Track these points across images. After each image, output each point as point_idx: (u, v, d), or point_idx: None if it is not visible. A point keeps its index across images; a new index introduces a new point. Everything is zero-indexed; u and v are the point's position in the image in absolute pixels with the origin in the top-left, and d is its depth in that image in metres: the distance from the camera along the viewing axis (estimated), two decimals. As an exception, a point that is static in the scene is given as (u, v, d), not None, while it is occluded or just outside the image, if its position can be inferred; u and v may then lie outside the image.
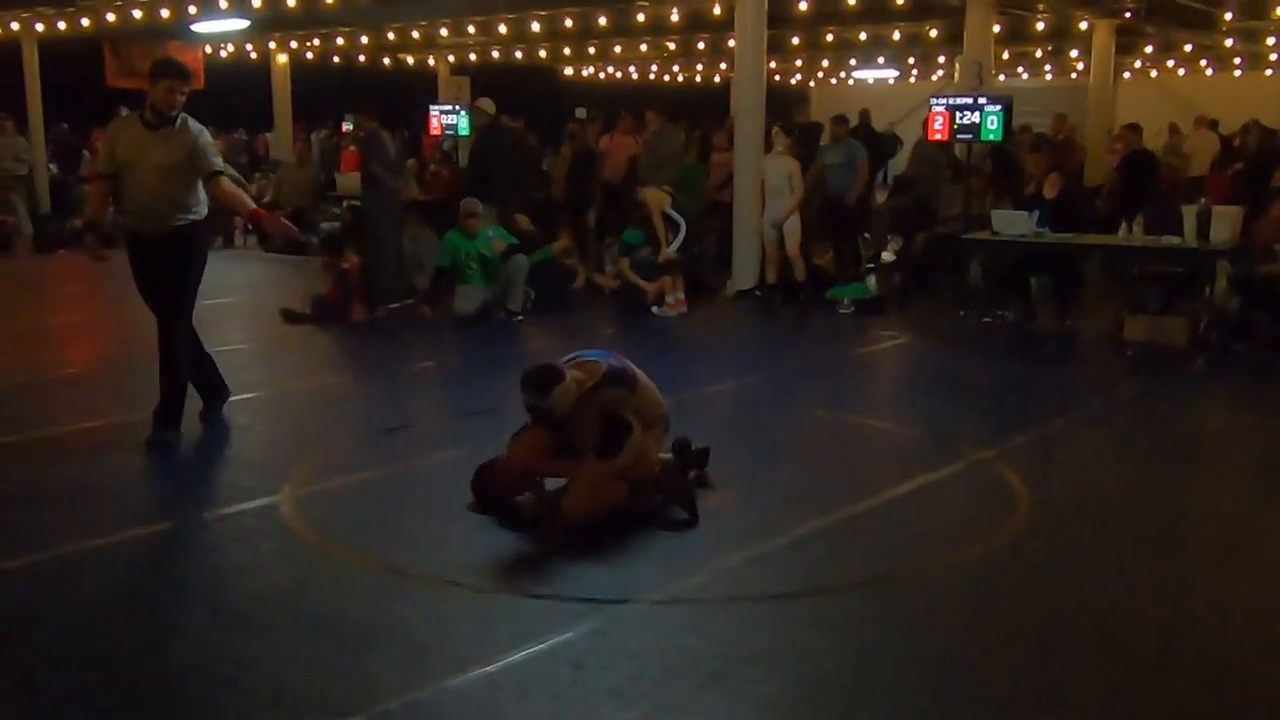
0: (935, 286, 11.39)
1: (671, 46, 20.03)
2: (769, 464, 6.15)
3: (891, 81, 25.71)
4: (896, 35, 18.08)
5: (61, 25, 15.99)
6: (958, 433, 6.59)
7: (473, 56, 20.66)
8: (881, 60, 22.62)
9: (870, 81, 26.33)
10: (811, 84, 27.78)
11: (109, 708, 3.47)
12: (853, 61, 23.63)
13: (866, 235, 13.06)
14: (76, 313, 11.49)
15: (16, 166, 16.38)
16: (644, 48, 20.28)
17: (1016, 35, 17.45)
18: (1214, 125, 18.17)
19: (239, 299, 11.97)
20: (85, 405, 7.25)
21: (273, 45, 19.37)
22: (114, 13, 14.85)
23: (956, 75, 12.99)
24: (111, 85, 18.83)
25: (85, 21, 15.49)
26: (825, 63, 24.07)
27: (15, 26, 16.64)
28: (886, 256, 12.90)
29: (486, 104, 12.27)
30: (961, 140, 10.80)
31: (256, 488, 5.47)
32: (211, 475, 5.77)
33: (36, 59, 17.89)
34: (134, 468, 5.90)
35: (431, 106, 15.06)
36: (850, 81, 27.12)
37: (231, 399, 7.47)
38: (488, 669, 3.64)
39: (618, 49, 20.42)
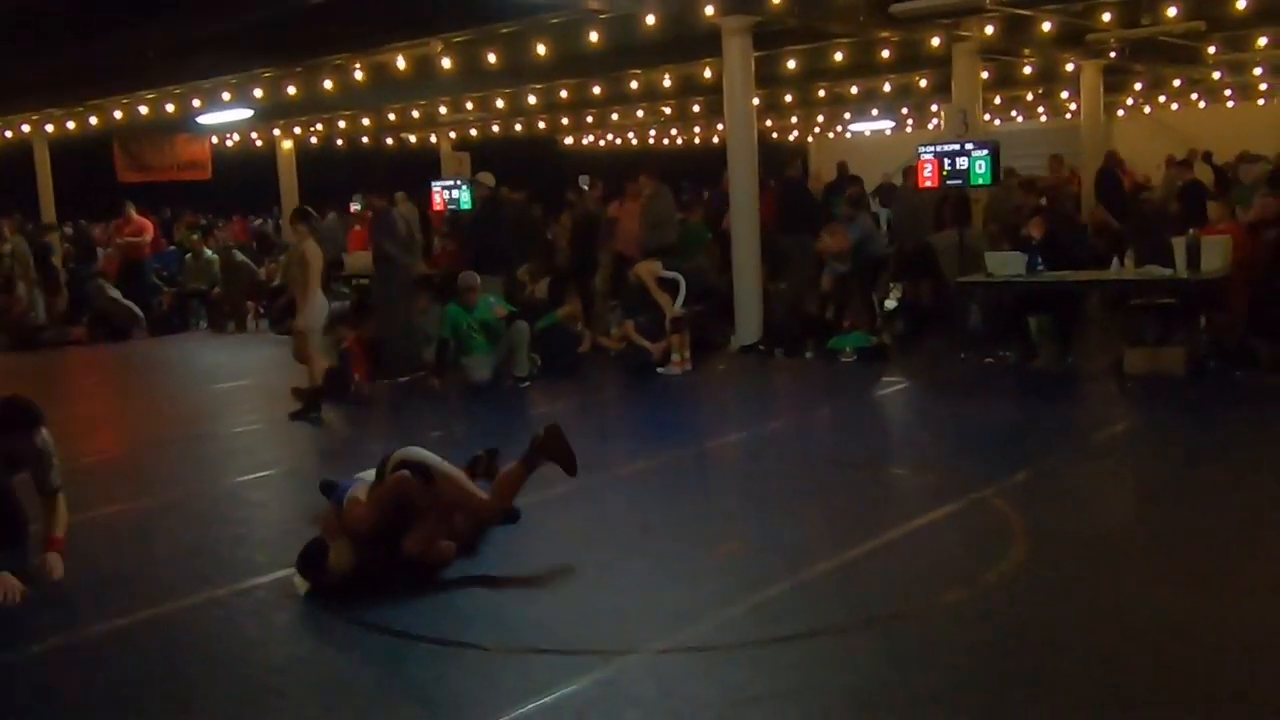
0: (936, 331, 11.52)
1: (668, 111, 20.38)
2: (772, 513, 6.24)
3: (888, 132, 26.05)
4: (887, 87, 18.37)
5: (71, 125, 16.43)
6: (958, 473, 6.68)
7: (474, 132, 21.06)
8: (875, 112, 22.94)
9: (867, 133, 26.71)
10: (810, 139, 28.17)
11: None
12: (847, 115, 23.97)
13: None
14: (91, 405, 11.70)
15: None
16: (640, 114, 20.63)
17: (1006, 80, 17.72)
18: (1208, 157, 18.38)
19: (252, 380, 12.18)
20: (104, 492, 7.40)
21: (277, 132, 19.81)
22: (121, 110, 15.26)
23: (939, 121, 13.22)
24: (122, 181, 19.31)
25: (94, 120, 15.91)
26: (820, 118, 24.41)
27: (26, 129, 17.10)
28: (889, 304, 13.08)
29: (486, 177, 12.56)
30: (951, 185, 10.96)
31: (270, 562, 5.59)
32: (227, 553, 5.89)
33: (48, 158, 18.35)
34: (152, 550, 6.04)
35: (433, 182, 15.34)
36: (848, 135, 27.50)
37: (247, 478, 7.67)
38: (494, 724, 3.74)
39: (615, 116, 20.78)
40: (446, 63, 12.42)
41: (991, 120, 22.77)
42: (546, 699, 3.90)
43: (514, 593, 5.04)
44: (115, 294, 16.43)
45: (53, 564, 5.26)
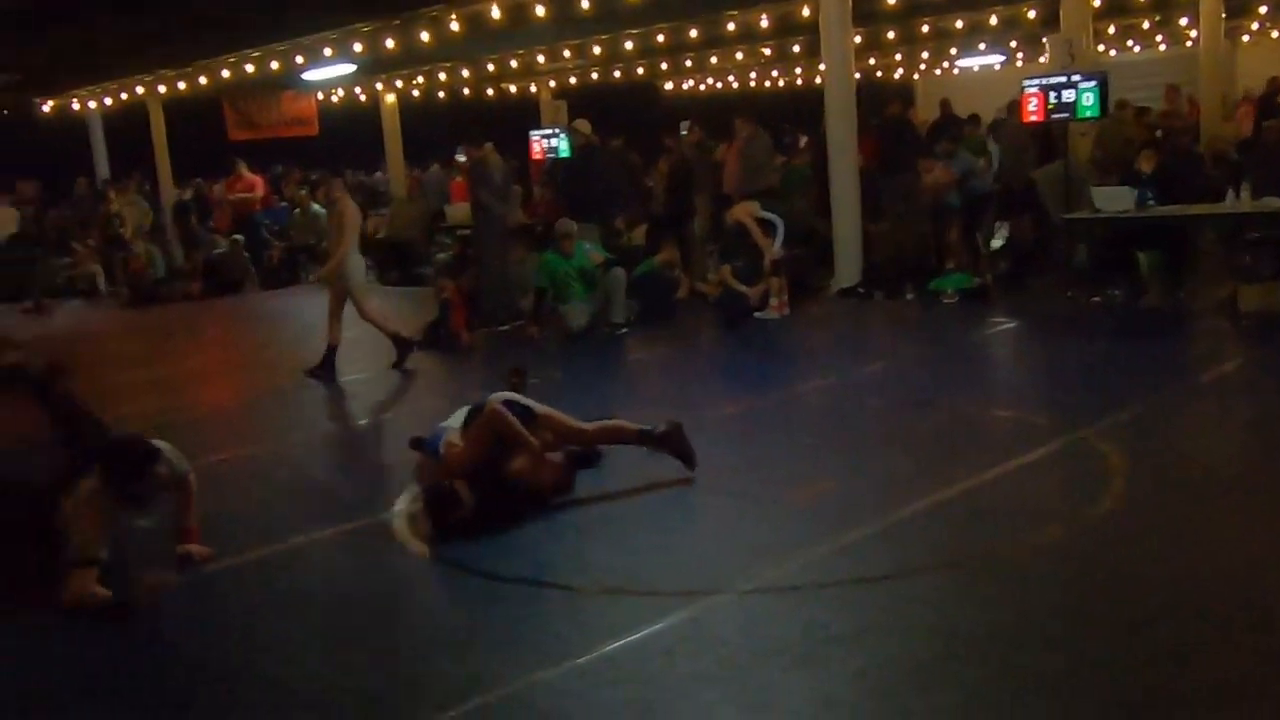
0: (1042, 269, 11.23)
1: (767, 52, 20.06)
2: (865, 454, 6.19)
3: (998, 67, 25.27)
4: (994, 20, 17.79)
5: (181, 85, 16.85)
6: (1058, 413, 6.54)
7: (573, 80, 21.01)
8: (983, 47, 22.25)
9: (975, 69, 25.94)
10: (915, 76, 27.50)
11: (236, 714, 3.75)
12: (953, 50, 23.30)
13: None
14: (205, 356, 12.11)
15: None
16: (739, 56, 20.35)
17: (1120, 8, 17.04)
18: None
19: (358, 332, 12.41)
20: (216, 440, 7.67)
21: (380, 86, 20.03)
22: (228, 69, 15.57)
23: (1047, 55, 12.76)
24: (232, 139, 19.77)
25: (203, 80, 16.28)
26: (925, 54, 23.78)
27: (140, 90, 17.59)
28: (995, 243, 12.79)
29: (582, 124, 12.57)
30: (1058, 119, 10.60)
31: (371, 505, 5.76)
32: (330, 498, 6.08)
33: (162, 119, 18.90)
34: (258, 495, 6.25)
35: (532, 131, 15.40)
36: (955, 71, 26.76)
37: (351, 425, 7.88)
38: (579, 661, 3.80)
39: (714, 59, 20.52)
40: (540, 10, 12.39)
41: (1106, 50, 21.98)
42: (632, 638, 3.95)
43: (602, 535, 5.10)
44: (239, 238, 17.01)
45: (197, 553, 5.05)
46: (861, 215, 11.85)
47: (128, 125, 19.98)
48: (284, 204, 19.52)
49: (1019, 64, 24.49)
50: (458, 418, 5.59)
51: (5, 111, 19.30)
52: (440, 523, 5.13)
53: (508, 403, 5.45)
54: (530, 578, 4.59)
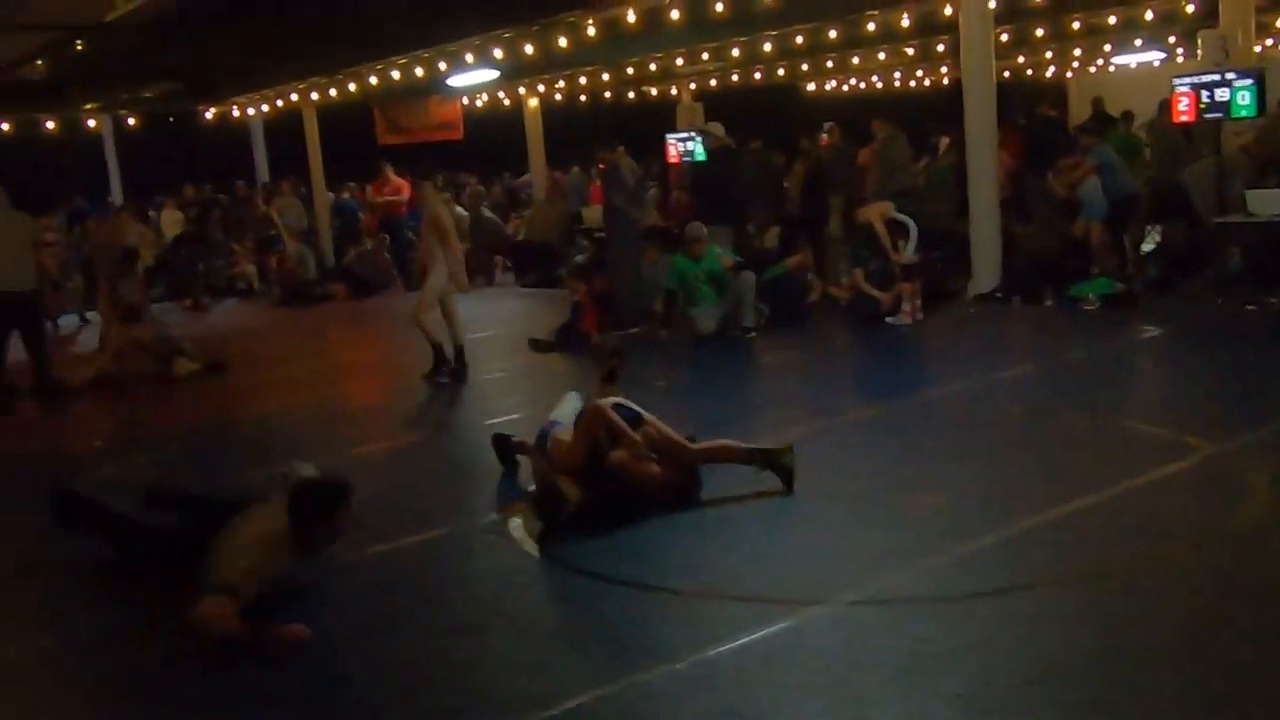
0: (1192, 275, 10.75)
1: (910, 52, 19.70)
2: (992, 463, 6.02)
3: (1157, 64, 24.32)
4: (1149, 15, 17.12)
5: (333, 92, 17.42)
6: (1198, 426, 6.25)
7: (713, 82, 20.99)
8: (1139, 43, 21.42)
9: (1133, 66, 25.01)
10: (1069, 75, 26.65)
11: (342, 709, 3.86)
12: (1107, 48, 22.49)
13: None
14: (352, 353, 12.51)
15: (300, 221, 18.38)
16: (881, 56, 20.03)
17: (1284, 1, 16.19)
18: None
19: (496, 331, 12.69)
20: (360, 433, 7.94)
21: (523, 91, 20.36)
22: (376, 76, 16.04)
23: (1199, 51, 12.20)
24: (381, 143, 20.38)
25: (352, 87, 16.81)
26: (1078, 51, 23.01)
27: (295, 97, 18.27)
28: (1146, 247, 12.32)
29: (715, 127, 12.56)
30: (1210, 119, 10.15)
31: (489, 505, 5.87)
32: (450, 495, 6.21)
33: (316, 125, 19.59)
34: (384, 490, 6.39)
35: (668, 134, 15.45)
36: (1111, 68, 25.84)
37: (488, 422, 8.03)
38: (678, 666, 3.80)
39: (855, 60, 20.25)
40: (675, 14, 12.42)
41: (1275, 45, 20.93)
42: (733, 645, 3.93)
43: (714, 538, 5.09)
44: (385, 236, 17.59)
45: None
46: (1008, 218, 11.54)
47: (284, 130, 20.79)
48: (430, 207, 20.01)
49: (1180, 60, 23.52)
50: (565, 411, 5.66)
51: (171, 119, 20.29)
52: (548, 519, 5.19)
53: (615, 406, 5.50)
54: (636, 579, 4.61)
